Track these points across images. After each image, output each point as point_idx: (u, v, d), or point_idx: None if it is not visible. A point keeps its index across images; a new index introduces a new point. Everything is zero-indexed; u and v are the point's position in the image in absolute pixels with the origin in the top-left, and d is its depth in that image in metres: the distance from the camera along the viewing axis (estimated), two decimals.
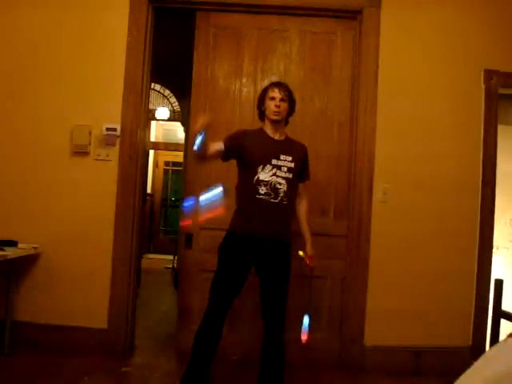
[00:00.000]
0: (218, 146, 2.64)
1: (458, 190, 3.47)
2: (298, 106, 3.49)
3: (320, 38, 3.57)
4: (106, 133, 3.41)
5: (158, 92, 7.31)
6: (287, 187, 2.62)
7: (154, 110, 7.45)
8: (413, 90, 3.48)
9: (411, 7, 3.50)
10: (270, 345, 2.60)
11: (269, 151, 2.64)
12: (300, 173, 2.74)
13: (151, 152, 9.35)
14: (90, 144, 3.42)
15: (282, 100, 2.66)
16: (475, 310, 3.41)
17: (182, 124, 7.02)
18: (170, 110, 7.53)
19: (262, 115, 2.77)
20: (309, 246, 2.75)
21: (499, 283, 2.78)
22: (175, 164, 9.65)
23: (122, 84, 3.42)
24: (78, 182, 3.42)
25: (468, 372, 0.91)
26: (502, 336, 2.52)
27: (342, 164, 3.54)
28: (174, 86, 6.85)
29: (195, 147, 2.45)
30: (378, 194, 3.44)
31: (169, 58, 4.72)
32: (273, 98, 2.67)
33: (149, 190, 9.19)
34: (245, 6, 3.52)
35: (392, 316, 3.38)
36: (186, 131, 5.87)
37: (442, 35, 3.51)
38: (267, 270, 2.63)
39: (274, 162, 2.62)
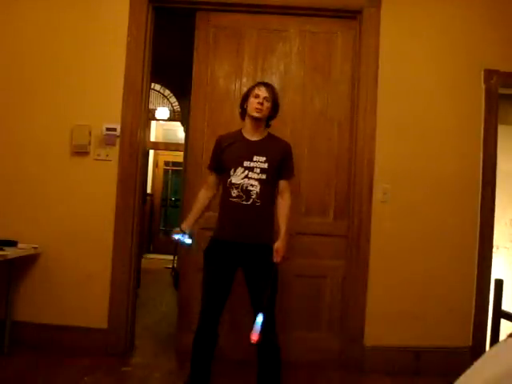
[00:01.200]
0: (210, 179, 2.80)
1: (458, 189, 3.47)
2: (298, 106, 3.52)
3: (320, 37, 3.57)
4: (105, 133, 3.41)
5: (158, 92, 7.32)
6: (260, 188, 2.59)
7: (154, 110, 7.46)
8: (413, 89, 3.47)
9: (411, 7, 3.50)
10: (263, 346, 2.56)
11: (241, 153, 2.63)
12: (279, 171, 2.68)
13: (151, 152, 9.35)
14: (89, 144, 3.42)
15: (265, 99, 2.64)
16: (475, 310, 3.41)
17: (182, 124, 7.02)
18: (170, 110, 7.53)
19: (243, 114, 2.74)
20: (278, 242, 2.59)
21: (499, 283, 2.78)
22: (175, 164, 9.65)
23: (122, 84, 3.42)
24: (78, 182, 3.42)
25: (468, 372, 0.91)
26: (502, 336, 2.52)
27: (342, 164, 3.54)
28: (173, 86, 6.86)
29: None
30: (378, 194, 3.44)
31: (169, 58, 4.72)
32: (257, 96, 2.64)
33: (149, 190, 9.19)
34: (245, 5, 3.52)
35: (392, 316, 3.38)
36: (186, 131, 5.87)
37: (442, 35, 3.50)
38: (248, 272, 2.62)
39: (246, 163, 2.60)
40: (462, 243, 3.45)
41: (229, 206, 2.61)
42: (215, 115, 3.54)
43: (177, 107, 7.36)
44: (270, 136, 2.74)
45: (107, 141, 3.42)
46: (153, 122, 8.64)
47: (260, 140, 2.69)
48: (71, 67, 3.45)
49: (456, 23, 3.51)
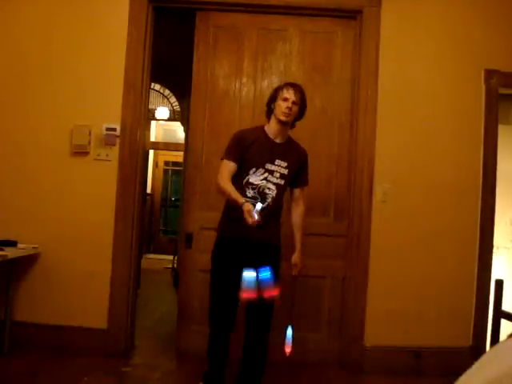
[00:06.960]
0: (231, 168, 2.56)
1: (459, 189, 3.46)
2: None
3: (320, 37, 3.57)
4: (105, 133, 3.41)
5: (158, 92, 7.31)
6: (276, 193, 2.57)
7: (154, 110, 7.45)
8: (413, 89, 3.47)
9: (411, 7, 3.50)
10: (253, 345, 2.57)
11: (265, 155, 2.58)
12: (295, 178, 2.68)
13: (151, 152, 9.35)
14: (89, 144, 3.42)
15: (294, 103, 2.57)
16: (476, 310, 3.41)
17: (182, 124, 7.02)
18: (170, 110, 7.53)
19: (269, 113, 2.67)
20: (295, 255, 2.67)
21: (499, 283, 2.79)
22: (175, 164, 9.66)
23: (122, 84, 3.42)
24: (78, 182, 3.42)
25: (468, 372, 0.90)
26: (503, 336, 2.53)
27: (342, 164, 3.54)
28: (173, 85, 6.85)
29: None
30: (378, 194, 3.43)
31: (169, 58, 4.71)
32: (286, 99, 2.57)
33: (149, 190, 9.19)
34: (245, 5, 3.52)
35: (392, 316, 3.38)
36: (186, 131, 5.87)
37: (442, 35, 3.51)
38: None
39: (268, 166, 2.57)
40: (462, 243, 3.45)
41: None
42: (215, 115, 3.54)
43: (177, 107, 7.36)
44: (291, 140, 2.71)
45: (107, 141, 3.41)
46: (153, 122, 8.63)
47: (283, 143, 2.65)
48: (71, 67, 3.45)
49: (456, 23, 3.51)
